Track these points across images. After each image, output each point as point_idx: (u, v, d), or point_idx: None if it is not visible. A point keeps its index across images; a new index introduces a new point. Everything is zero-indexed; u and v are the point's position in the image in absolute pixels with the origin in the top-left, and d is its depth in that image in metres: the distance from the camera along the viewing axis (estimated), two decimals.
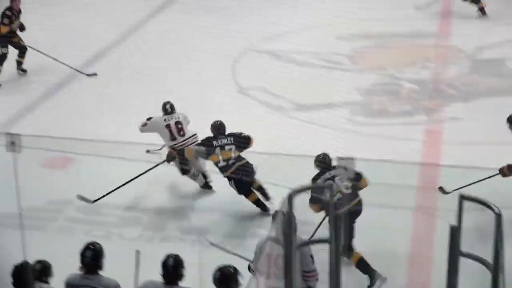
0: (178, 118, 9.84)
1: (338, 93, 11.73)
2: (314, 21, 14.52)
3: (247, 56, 13.85)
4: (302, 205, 6.97)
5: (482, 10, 15.56)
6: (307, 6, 16.15)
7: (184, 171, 9.67)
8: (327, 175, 8.05)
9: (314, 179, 8.10)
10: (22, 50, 13.20)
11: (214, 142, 9.14)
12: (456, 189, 8.63)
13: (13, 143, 8.58)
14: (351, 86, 12.43)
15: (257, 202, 9.09)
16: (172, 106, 9.95)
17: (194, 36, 13.63)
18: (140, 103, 11.49)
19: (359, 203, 7.91)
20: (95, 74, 13.07)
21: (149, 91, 12.02)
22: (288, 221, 3.99)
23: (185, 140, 9.70)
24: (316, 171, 8.25)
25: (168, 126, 9.76)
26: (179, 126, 9.78)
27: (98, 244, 6.33)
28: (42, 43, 13.26)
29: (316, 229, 7.70)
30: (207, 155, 9.18)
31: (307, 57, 13.71)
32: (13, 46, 13.07)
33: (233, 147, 9.14)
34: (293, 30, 14.31)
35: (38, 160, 10.23)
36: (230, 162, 9.04)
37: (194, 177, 9.70)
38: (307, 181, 7.92)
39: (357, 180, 8.00)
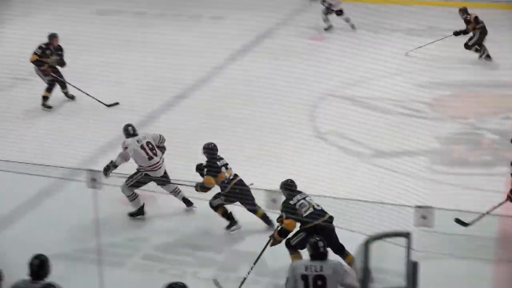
0: (146, 138, 10.12)
1: (418, 141, 11.60)
2: (395, 68, 14.47)
3: (327, 101, 13.87)
4: (378, 252, 6.93)
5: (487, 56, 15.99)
6: (389, 53, 16.12)
7: (136, 186, 10.05)
8: (299, 196, 8.72)
9: (285, 202, 8.64)
10: (62, 84, 14.14)
11: (218, 163, 9.77)
12: (475, 220, 9.10)
13: (94, 179, 8.78)
14: (430, 134, 12.30)
15: (226, 215, 9.71)
16: (134, 128, 10.24)
17: (273, 80, 13.69)
18: (218, 144, 11.57)
19: (330, 219, 8.57)
20: (117, 104, 13.44)
21: (226, 132, 12.11)
22: (365, 269, 3.96)
23: (160, 160, 10.09)
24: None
25: (142, 147, 10.00)
26: (150, 146, 10.06)
27: (182, 284, 6.32)
28: (126, 83, 13.59)
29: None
30: (216, 176, 9.69)
31: (387, 103, 13.66)
32: (39, 74, 14.02)
33: (229, 165, 9.86)
34: (373, 77, 14.27)
35: (117, 197, 10.40)
36: (231, 177, 9.76)
37: (133, 197, 10.07)
38: (384, 228, 7.83)
39: None
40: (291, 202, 8.70)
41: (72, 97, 14.42)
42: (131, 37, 16.94)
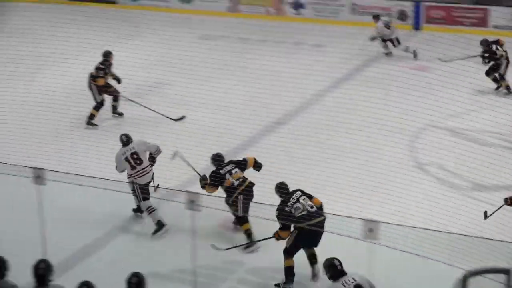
0: (133, 148, 10.69)
1: None
2: (498, 100, 14.23)
3: (427, 131, 13.71)
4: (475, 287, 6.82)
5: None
6: (491, 84, 15.86)
7: (145, 198, 10.58)
8: (292, 200, 9.21)
9: (281, 206, 9.22)
10: (116, 97, 14.98)
11: (221, 171, 10.29)
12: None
13: (193, 201, 8.90)
14: None
15: (248, 232, 10.15)
16: (127, 137, 10.83)
17: (373, 109, 13.61)
18: (315, 171, 11.58)
19: (323, 221, 9.12)
20: (183, 117, 13.68)
21: (323, 160, 12.08)
22: None
23: (143, 169, 10.65)
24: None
25: (126, 159, 10.62)
26: (135, 156, 10.63)
27: None
28: (226, 107, 13.77)
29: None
30: (221, 184, 10.23)
31: (488, 136, 13.41)
32: (109, 94, 14.90)
33: (237, 169, 10.34)
34: (476, 108, 14.03)
35: (215, 219, 10.52)
36: (240, 180, 10.23)
37: (151, 210, 10.55)
38: (483, 263, 7.69)
39: (311, 199, 9.29)
40: (287, 208, 9.16)
41: (120, 114, 15.09)
42: (232, 62, 17.15)
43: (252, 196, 10.23)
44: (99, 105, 14.70)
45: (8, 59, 15.52)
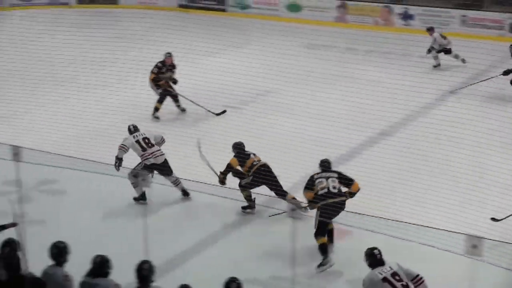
0: (144, 134, 11.67)
1: None
2: None
3: None
4: None
5: None
6: None
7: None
8: (324, 174, 10.03)
9: (313, 176, 10.07)
10: (175, 98, 15.75)
11: (247, 152, 11.29)
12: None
13: (294, 209, 8.92)
14: None
15: (249, 198, 11.18)
16: (135, 126, 11.83)
17: (480, 124, 13.31)
18: (411, 183, 11.40)
19: (343, 202, 9.89)
20: (224, 112, 13.69)
21: (426, 174, 11.88)
22: None
23: (155, 151, 11.49)
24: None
25: (137, 141, 11.54)
26: (146, 140, 11.58)
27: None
28: (329, 117, 13.75)
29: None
30: (245, 160, 11.16)
31: None
32: (162, 90, 15.60)
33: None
34: None
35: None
36: (260, 162, 11.17)
37: (176, 183, 11.61)
38: None
39: (349, 184, 9.99)
40: (315, 177, 10.02)
41: (183, 110, 15.89)
42: (338, 71, 17.06)
43: (264, 180, 10.89)
44: (161, 98, 15.55)
45: (120, 62, 16.01)
